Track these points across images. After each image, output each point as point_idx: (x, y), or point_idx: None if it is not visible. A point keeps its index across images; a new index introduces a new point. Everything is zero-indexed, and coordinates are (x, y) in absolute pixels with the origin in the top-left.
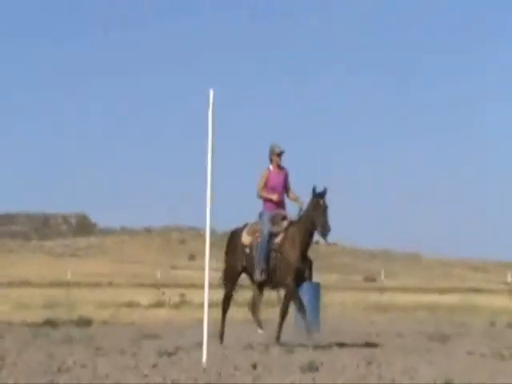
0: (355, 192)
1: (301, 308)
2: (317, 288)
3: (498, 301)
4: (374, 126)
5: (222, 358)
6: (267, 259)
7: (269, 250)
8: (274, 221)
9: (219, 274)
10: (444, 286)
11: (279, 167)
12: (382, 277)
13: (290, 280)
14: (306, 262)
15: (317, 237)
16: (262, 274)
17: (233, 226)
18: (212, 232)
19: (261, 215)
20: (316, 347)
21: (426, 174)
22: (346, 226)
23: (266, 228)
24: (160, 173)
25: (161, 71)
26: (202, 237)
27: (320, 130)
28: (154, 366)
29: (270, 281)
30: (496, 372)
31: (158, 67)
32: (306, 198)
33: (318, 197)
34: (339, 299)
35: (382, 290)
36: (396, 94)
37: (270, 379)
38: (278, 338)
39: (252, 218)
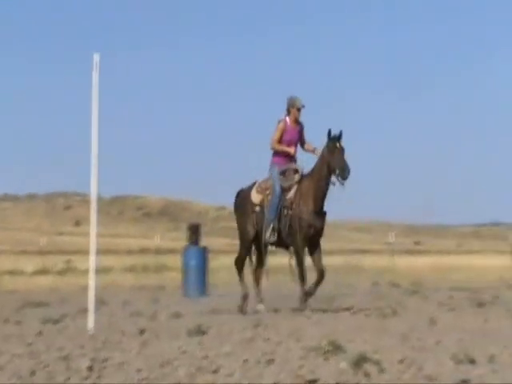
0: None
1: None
2: (203, 252)
3: (381, 261)
4: None
5: (108, 324)
6: (279, 217)
7: (281, 207)
8: (285, 175)
9: (105, 240)
10: (330, 248)
11: (296, 121)
12: None
13: (301, 237)
14: (320, 217)
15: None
16: (271, 234)
17: (119, 192)
18: (98, 198)
19: (270, 169)
20: (204, 312)
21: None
22: (233, 191)
23: (278, 183)
24: (44, 138)
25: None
26: (88, 202)
27: None
28: (39, 333)
29: (280, 242)
30: (379, 330)
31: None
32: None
33: (334, 140)
34: (227, 263)
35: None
36: None
37: (157, 344)
38: (303, 305)
39: (137, 184)
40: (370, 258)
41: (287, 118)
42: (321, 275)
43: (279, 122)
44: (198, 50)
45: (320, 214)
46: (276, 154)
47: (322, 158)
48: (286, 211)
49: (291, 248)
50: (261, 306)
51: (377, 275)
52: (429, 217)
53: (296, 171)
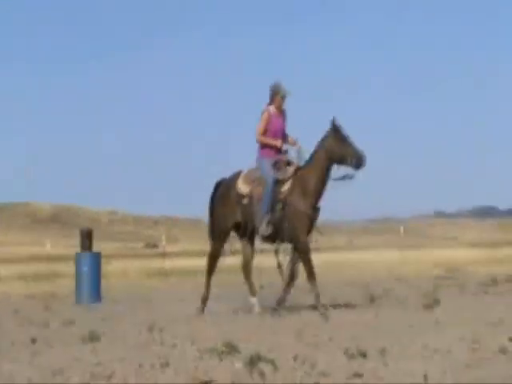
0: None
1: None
2: (96, 258)
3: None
4: None
5: None
6: (272, 210)
7: (274, 200)
8: (277, 167)
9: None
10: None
11: (280, 110)
12: (164, 242)
13: (303, 233)
14: (317, 211)
15: (343, 172)
16: (268, 226)
17: (7, 199)
18: None
19: (259, 161)
20: (98, 317)
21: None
22: (128, 194)
23: (270, 175)
24: None
25: None
26: None
27: None
28: None
29: (274, 235)
30: (275, 329)
31: None
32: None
33: (340, 128)
34: (121, 267)
35: (164, 255)
36: None
37: (49, 352)
38: (319, 303)
39: (25, 191)
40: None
41: (271, 108)
42: (310, 276)
43: (263, 111)
44: None
45: (317, 208)
46: (263, 146)
47: (323, 148)
48: (280, 205)
49: (285, 244)
50: (254, 300)
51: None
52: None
53: (288, 163)
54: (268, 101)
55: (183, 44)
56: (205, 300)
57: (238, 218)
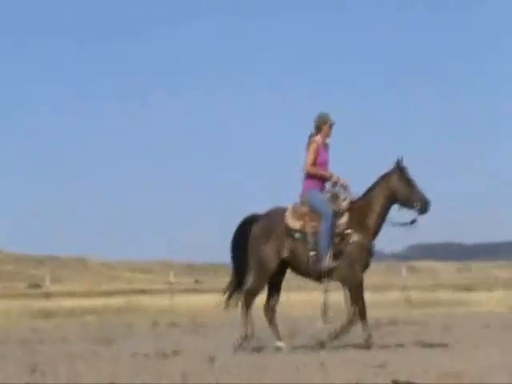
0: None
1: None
2: None
3: (162, 301)
4: None
5: None
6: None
7: (332, 234)
8: (330, 199)
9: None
10: (110, 289)
11: (325, 141)
12: (48, 282)
13: (360, 270)
14: (373, 249)
15: (407, 215)
16: (330, 259)
17: None
18: None
19: (309, 194)
20: None
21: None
22: (10, 233)
23: (327, 207)
24: None
25: None
26: None
27: None
28: None
29: (327, 271)
30: (159, 372)
31: None
32: None
33: (406, 170)
34: (3, 308)
35: (48, 295)
36: None
37: None
38: (369, 342)
39: None
40: (150, 298)
41: (317, 138)
42: (362, 315)
43: (311, 142)
44: None
45: (374, 245)
46: (309, 177)
47: (385, 185)
48: (338, 238)
49: (337, 282)
50: (280, 343)
51: (157, 315)
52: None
53: (336, 196)
54: (313, 131)
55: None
56: (247, 338)
57: (285, 254)
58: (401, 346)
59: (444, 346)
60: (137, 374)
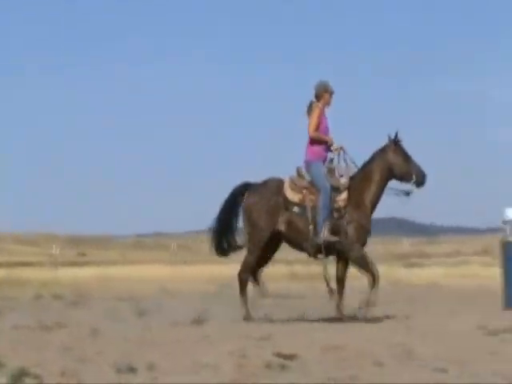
0: None
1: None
2: None
3: (45, 273)
4: None
5: None
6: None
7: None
8: (329, 174)
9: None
10: None
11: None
12: None
13: (361, 245)
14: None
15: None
16: (328, 233)
17: None
18: None
19: (310, 167)
20: None
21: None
22: None
23: (326, 182)
24: None
25: None
26: None
27: None
28: None
29: (326, 247)
30: (42, 344)
31: None
32: None
33: (401, 144)
34: None
35: None
36: None
37: None
38: (364, 309)
39: None
40: (33, 271)
41: (319, 104)
42: (343, 284)
43: (313, 107)
44: None
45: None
46: (312, 144)
47: (383, 161)
48: (336, 214)
49: (337, 256)
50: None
51: (40, 288)
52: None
53: (336, 171)
54: (313, 99)
55: None
56: (248, 316)
57: (281, 227)
58: (285, 319)
59: (328, 320)
60: (19, 345)
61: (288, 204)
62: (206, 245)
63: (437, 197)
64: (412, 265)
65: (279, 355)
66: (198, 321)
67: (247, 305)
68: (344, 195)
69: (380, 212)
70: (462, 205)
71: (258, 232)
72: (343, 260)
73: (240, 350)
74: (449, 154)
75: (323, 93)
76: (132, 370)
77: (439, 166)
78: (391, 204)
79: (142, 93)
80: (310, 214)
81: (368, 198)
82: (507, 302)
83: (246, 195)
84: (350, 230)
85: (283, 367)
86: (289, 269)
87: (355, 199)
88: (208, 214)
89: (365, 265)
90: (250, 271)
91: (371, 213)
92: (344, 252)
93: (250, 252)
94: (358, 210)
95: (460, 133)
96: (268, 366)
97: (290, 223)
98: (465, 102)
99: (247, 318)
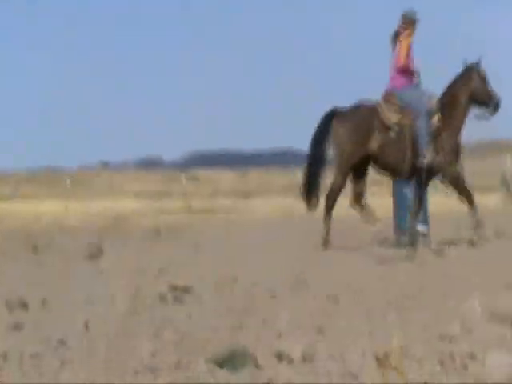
0: None
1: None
2: None
3: None
4: None
5: None
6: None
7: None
8: (422, 98)
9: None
10: None
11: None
12: None
13: (456, 166)
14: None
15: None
16: (433, 155)
17: None
18: None
19: (402, 92)
20: None
21: None
22: None
23: (423, 105)
24: None
25: None
26: None
27: None
28: None
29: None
30: None
31: None
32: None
33: (483, 70)
34: None
35: None
36: None
37: None
38: (478, 233)
39: None
40: None
41: (409, 34)
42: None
43: (404, 36)
44: None
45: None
46: (403, 72)
47: (467, 84)
48: (431, 137)
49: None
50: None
51: None
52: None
53: (426, 94)
54: (399, 28)
55: None
56: (327, 243)
57: (374, 148)
58: (180, 252)
59: (223, 252)
60: None
61: (384, 124)
62: (100, 179)
63: None
64: None
65: (174, 288)
66: (93, 256)
67: (328, 232)
68: (436, 117)
69: (276, 143)
70: None
71: (348, 154)
72: (424, 184)
73: (135, 283)
74: None
75: (411, 22)
76: (24, 306)
77: None
78: (286, 134)
79: None
80: (408, 136)
81: (457, 120)
82: (396, 230)
83: (334, 120)
84: (447, 151)
85: (178, 299)
86: (184, 202)
87: (447, 122)
88: (102, 149)
89: (462, 184)
90: (338, 195)
91: (460, 135)
92: (442, 173)
93: (337, 176)
94: (451, 132)
95: None
96: (163, 298)
97: (384, 145)
98: None
99: (325, 245)
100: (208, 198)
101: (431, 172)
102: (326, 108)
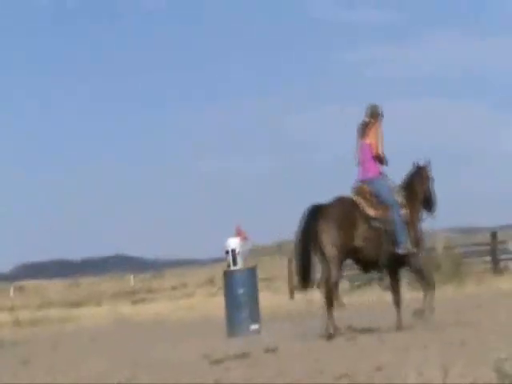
0: None
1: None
2: None
3: None
4: None
5: None
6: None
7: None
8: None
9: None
10: None
11: None
12: None
13: (421, 256)
14: None
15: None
16: (411, 245)
17: None
18: None
19: (375, 183)
20: None
21: None
22: None
23: (392, 196)
24: None
25: None
26: None
27: None
28: None
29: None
30: None
31: None
32: None
33: (429, 172)
34: None
35: None
36: None
37: None
38: (424, 314)
39: None
40: None
41: (379, 124)
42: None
43: (376, 127)
44: None
45: None
46: (377, 162)
47: (421, 183)
48: None
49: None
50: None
51: None
52: None
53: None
54: (367, 119)
55: None
56: (336, 329)
57: (358, 243)
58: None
59: (51, 364)
60: None
61: (367, 219)
62: None
63: (159, 231)
64: (139, 301)
65: None
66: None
67: (334, 321)
68: (403, 211)
69: (105, 250)
70: (186, 237)
71: (339, 248)
72: (396, 273)
73: None
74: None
75: (377, 116)
76: None
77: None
78: (115, 240)
79: None
80: (387, 228)
81: (418, 213)
82: (230, 329)
83: (319, 215)
84: (413, 242)
85: None
86: (12, 315)
87: (414, 214)
88: None
89: (425, 274)
90: (337, 287)
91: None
92: (410, 263)
93: (335, 271)
94: (413, 224)
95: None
96: None
97: (366, 238)
98: None
99: (335, 331)
100: (37, 309)
101: (403, 262)
102: None
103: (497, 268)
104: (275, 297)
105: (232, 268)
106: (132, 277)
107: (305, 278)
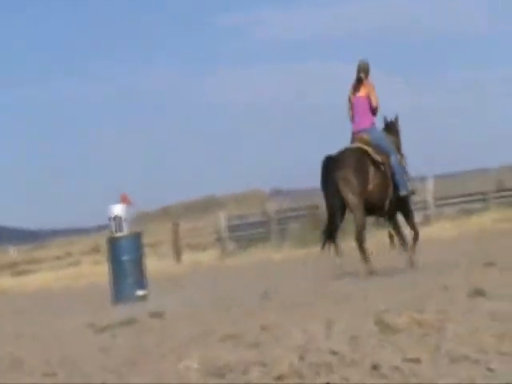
0: None
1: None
2: None
3: None
4: None
5: None
6: None
7: None
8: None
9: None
10: None
11: None
12: None
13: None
14: None
15: None
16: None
17: None
18: None
19: (373, 133)
20: None
21: None
22: None
23: (389, 144)
24: None
25: None
26: None
27: None
28: None
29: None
30: None
31: None
32: None
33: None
34: None
35: None
36: None
37: None
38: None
39: None
40: None
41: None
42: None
43: (370, 83)
44: None
45: None
46: (374, 114)
47: (396, 135)
48: None
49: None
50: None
51: None
52: None
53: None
54: (361, 75)
55: None
56: (371, 272)
57: (370, 188)
58: None
59: None
60: None
61: (375, 165)
62: None
63: (42, 200)
64: (21, 273)
65: None
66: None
67: (370, 261)
68: (400, 156)
69: None
70: (71, 205)
71: (359, 194)
72: (395, 216)
73: None
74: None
75: (368, 72)
76: None
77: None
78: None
79: None
80: (389, 172)
81: (403, 161)
82: (115, 297)
83: (334, 166)
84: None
85: None
86: None
87: (400, 161)
88: None
89: (413, 219)
90: (365, 230)
91: None
92: (404, 205)
93: (360, 217)
94: (405, 170)
95: None
96: None
97: (376, 183)
98: None
99: (370, 272)
100: None
101: (399, 205)
102: None
103: None
104: (162, 262)
105: (116, 235)
106: (13, 248)
107: (332, 231)
